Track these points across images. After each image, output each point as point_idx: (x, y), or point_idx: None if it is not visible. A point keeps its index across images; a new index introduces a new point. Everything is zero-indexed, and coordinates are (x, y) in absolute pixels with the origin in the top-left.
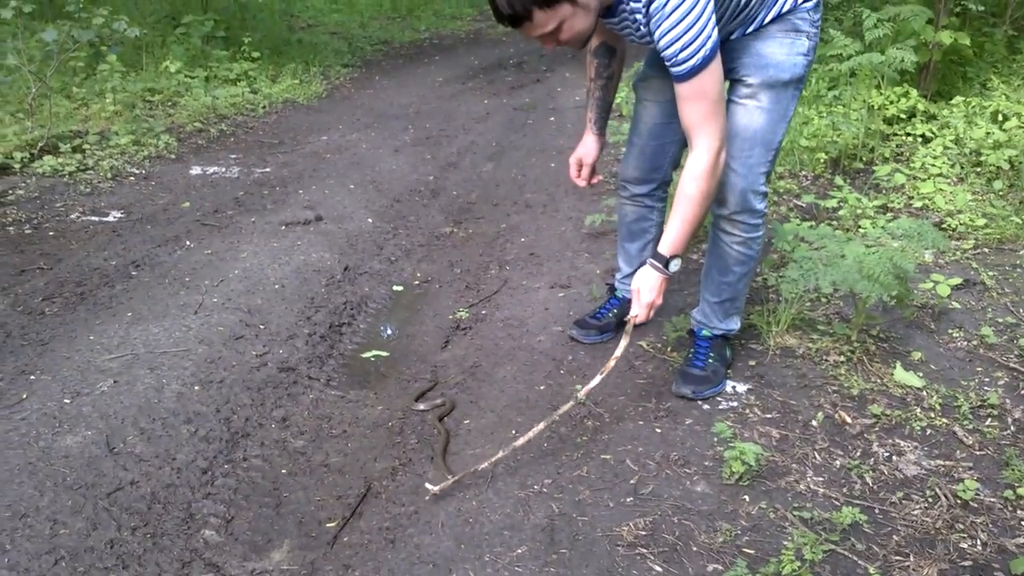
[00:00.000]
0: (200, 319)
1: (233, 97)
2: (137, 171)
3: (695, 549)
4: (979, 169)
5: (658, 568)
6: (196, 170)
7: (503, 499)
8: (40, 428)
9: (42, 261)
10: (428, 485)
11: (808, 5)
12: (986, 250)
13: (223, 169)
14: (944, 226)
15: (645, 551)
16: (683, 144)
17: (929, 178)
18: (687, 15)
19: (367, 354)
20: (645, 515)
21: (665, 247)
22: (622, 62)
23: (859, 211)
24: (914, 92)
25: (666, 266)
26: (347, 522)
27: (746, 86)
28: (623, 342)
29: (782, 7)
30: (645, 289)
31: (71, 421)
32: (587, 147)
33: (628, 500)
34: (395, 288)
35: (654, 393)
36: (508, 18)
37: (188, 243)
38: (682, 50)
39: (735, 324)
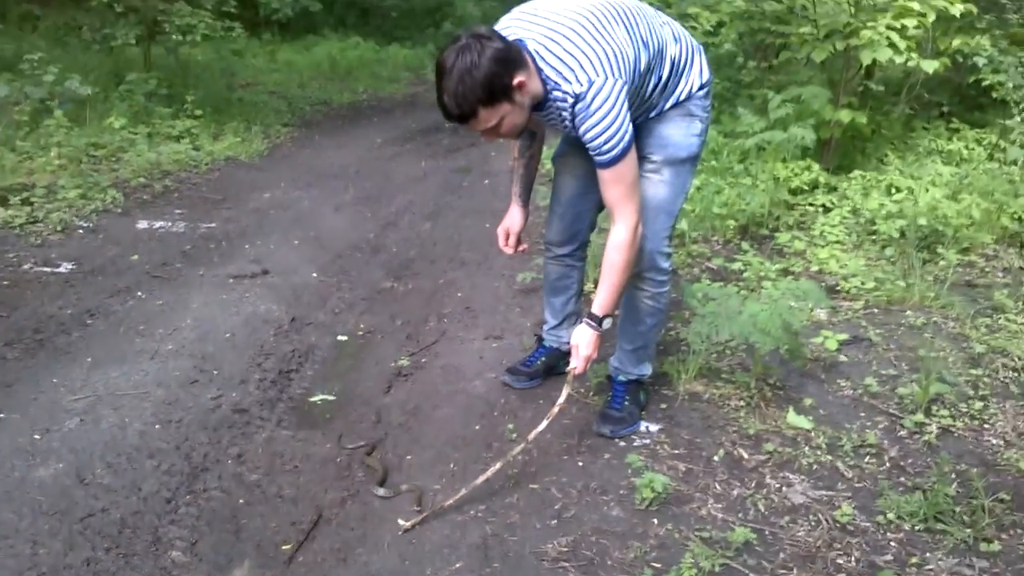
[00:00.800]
0: (156, 364)
1: (176, 153)
2: (85, 224)
3: (610, 563)
4: (874, 237)
5: None
6: (143, 224)
7: (442, 522)
8: (14, 460)
9: (0, 310)
10: (400, 521)
11: (700, 93)
12: (875, 310)
13: (169, 224)
14: (837, 288)
15: (567, 565)
16: (598, 210)
17: (827, 245)
18: (607, 114)
19: (314, 398)
20: (567, 535)
21: (597, 308)
22: (541, 143)
23: (762, 273)
24: (816, 166)
25: (600, 324)
26: (301, 544)
27: (651, 162)
28: (565, 390)
29: (679, 96)
30: (582, 344)
31: (42, 455)
32: (513, 218)
33: (553, 523)
34: (340, 338)
35: (576, 431)
36: (456, 117)
37: (140, 293)
38: (604, 143)
39: (647, 369)
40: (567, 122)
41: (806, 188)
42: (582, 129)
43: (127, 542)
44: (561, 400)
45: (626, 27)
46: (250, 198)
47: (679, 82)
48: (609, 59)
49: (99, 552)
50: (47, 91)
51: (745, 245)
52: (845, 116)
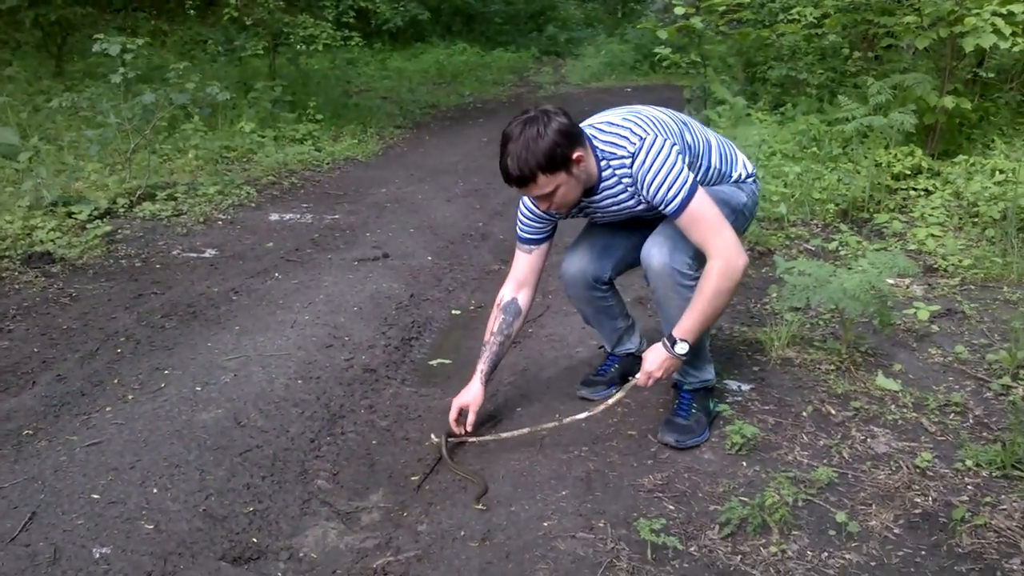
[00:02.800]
0: (296, 332)
1: (301, 154)
2: (224, 216)
3: (700, 495)
4: (975, 219)
5: (671, 506)
6: (274, 216)
7: (549, 460)
8: (180, 407)
9: (155, 288)
10: (432, 436)
11: (749, 180)
12: (972, 287)
13: (298, 216)
14: (935, 267)
15: (661, 495)
16: (628, 256)
17: (927, 226)
18: (664, 162)
19: (433, 362)
20: (662, 472)
21: (677, 330)
22: (522, 324)
23: (859, 252)
24: (920, 151)
25: (673, 346)
26: (427, 476)
27: None
28: (618, 394)
29: (730, 179)
30: (650, 360)
31: (204, 403)
32: (473, 394)
33: (648, 462)
34: (453, 312)
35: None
36: (516, 179)
37: (277, 275)
38: (668, 189)
39: (710, 374)
40: (628, 188)
41: (909, 173)
42: (645, 184)
43: (279, 472)
44: (611, 401)
45: (670, 119)
46: (368, 193)
47: (729, 169)
48: (655, 125)
49: (256, 479)
50: (190, 97)
51: (843, 227)
52: (949, 102)
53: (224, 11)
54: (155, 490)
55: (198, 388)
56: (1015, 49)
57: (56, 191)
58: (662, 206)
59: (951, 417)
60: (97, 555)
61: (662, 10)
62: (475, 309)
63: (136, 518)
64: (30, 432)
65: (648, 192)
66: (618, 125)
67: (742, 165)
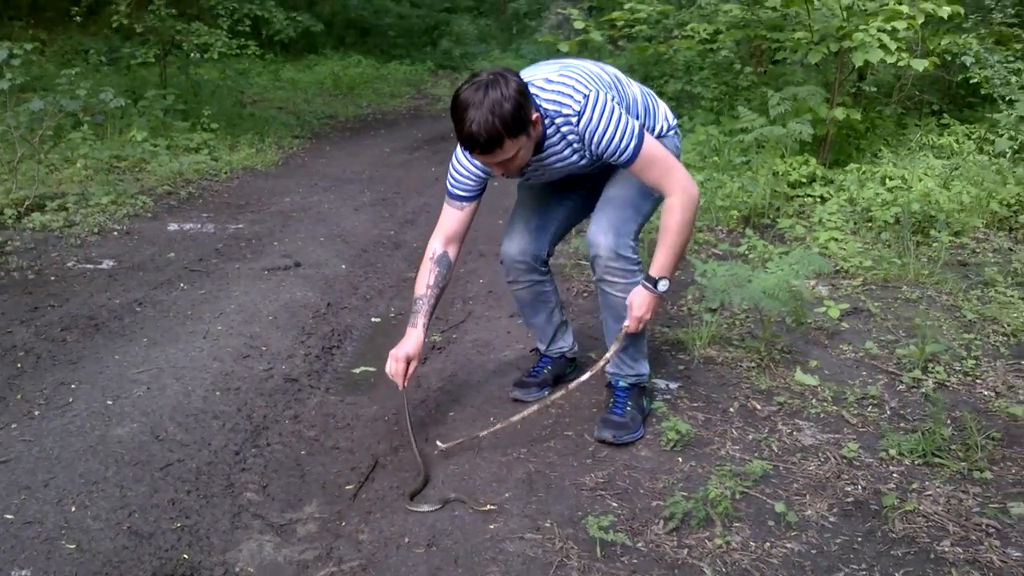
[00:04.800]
0: (209, 342)
1: (197, 164)
2: (119, 227)
3: (642, 491)
4: (870, 224)
5: (615, 504)
6: (173, 226)
7: (489, 463)
8: (92, 422)
9: (51, 300)
10: (438, 442)
11: (671, 133)
12: (873, 287)
13: (199, 225)
14: (837, 268)
15: (604, 493)
16: (560, 230)
17: (826, 230)
18: (611, 117)
19: (356, 370)
20: (602, 470)
21: (654, 270)
22: (452, 272)
23: (766, 255)
24: (813, 160)
25: (655, 286)
26: (363, 484)
27: (625, 172)
28: (613, 347)
29: (653, 132)
30: (636, 304)
31: (117, 417)
32: (413, 343)
33: (588, 461)
34: (373, 319)
35: (603, 387)
36: (482, 146)
37: (182, 285)
38: (620, 142)
39: (644, 368)
40: (573, 144)
41: (804, 181)
42: (595, 140)
43: (204, 486)
44: (608, 355)
45: (602, 71)
46: (271, 202)
47: (652, 123)
48: (592, 80)
49: (181, 494)
50: (82, 104)
51: (749, 232)
52: (840, 114)
53: (112, 19)
54: (73, 508)
55: (109, 402)
56: (900, 64)
57: None
58: (615, 157)
59: (869, 409)
60: None
61: (556, 26)
62: (395, 316)
63: (56, 538)
64: None
65: (599, 147)
66: (557, 82)
67: (663, 117)
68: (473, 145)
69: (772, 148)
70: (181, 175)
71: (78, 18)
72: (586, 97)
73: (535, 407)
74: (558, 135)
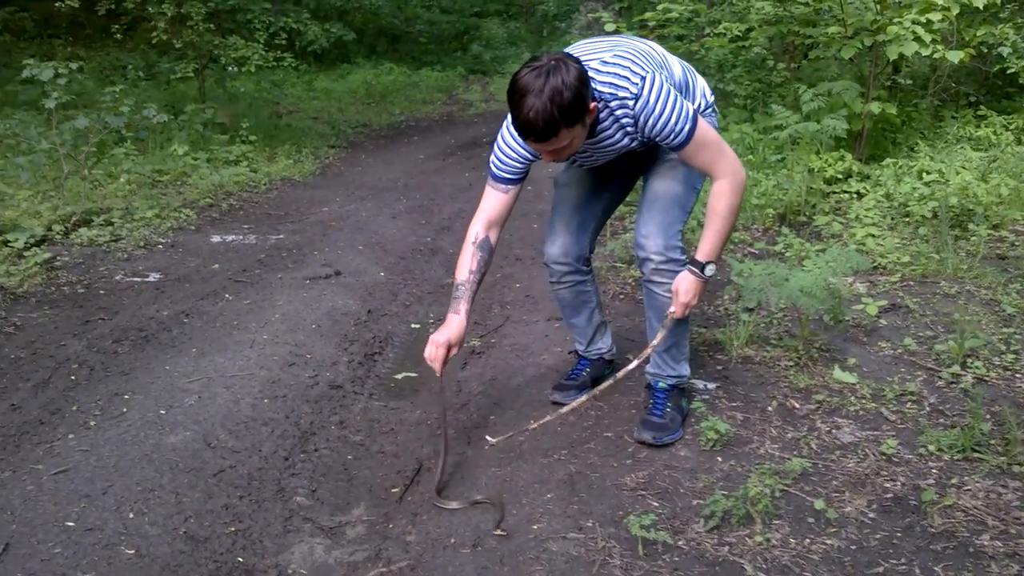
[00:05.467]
0: (256, 351)
1: (237, 176)
2: (164, 240)
3: (682, 491)
4: (907, 219)
5: (655, 503)
6: (216, 238)
7: (531, 464)
8: (146, 431)
9: (102, 313)
10: (487, 437)
11: (708, 111)
12: (911, 283)
13: (240, 237)
14: (875, 264)
15: (644, 493)
16: (600, 224)
17: (863, 226)
18: (667, 100)
19: (399, 375)
20: (643, 470)
21: (701, 255)
22: (493, 258)
23: (802, 253)
24: (849, 156)
25: (702, 271)
26: (408, 487)
27: (668, 162)
28: (661, 334)
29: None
30: (683, 291)
31: (170, 426)
32: (459, 330)
33: (628, 462)
34: (413, 326)
35: (642, 389)
36: (539, 134)
37: (227, 296)
38: (676, 125)
39: (685, 370)
40: (628, 130)
41: (840, 177)
42: (650, 125)
43: (256, 491)
44: (656, 342)
45: (652, 50)
46: (310, 212)
47: (691, 100)
48: (647, 60)
49: (234, 499)
50: (126, 120)
51: (785, 230)
52: (875, 108)
53: (152, 35)
54: (131, 515)
55: (162, 411)
56: (935, 56)
57: None
58: (668, 140)
59: (908, 406)
60: None
61: (585, 27)
62: (434, 322)
63: (115, 544)
64: None
65: (654, 129)
66: (612, 64)
67: (701, 94)
68: (529, 132)
69: (807, 145)
70: (222, 187)
71: (118, 35)
72: (643, 79)
73: (583, 397)
74: (611, 119)
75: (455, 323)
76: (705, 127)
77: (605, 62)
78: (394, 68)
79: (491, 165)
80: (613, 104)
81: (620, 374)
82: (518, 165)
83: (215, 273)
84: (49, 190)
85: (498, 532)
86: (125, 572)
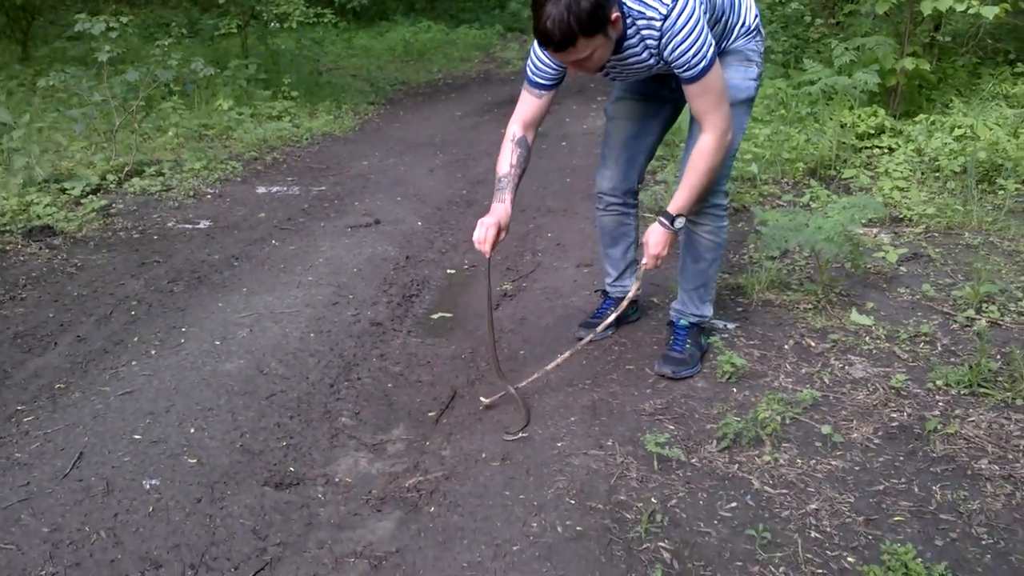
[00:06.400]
0: (302, 291)
1: (280, 130)
2: (212, 191)
3: (697, 416)
4: (937, 174)
5: (672, 426)
6: (262, 189)
7: (556, 392)
8: (203, 359)
9: (156, 257)
10: (482, 398)
11: (753, 34)
12: (936, 234)
13: (285, 188)
14: (900, 217)
15: (662, 418)
16: (650, 156)
17: (892, 180)
18: (693, 29)
19: (435, 315)
20: (661, 398)
21: (673, 207)
22: (531, 155)
23: (828, 203)
24: (882, 111)
25: (672, 223)
26: (443, 411)
27: None
28: (635, 285)
29: (736, 34)
30: (653, 243)
31: (225, 355)
32: (505, 215)
33: (647, 391)
34: (448, 271)
35: (663, 328)
36: (556, 43)
37: (274, 242)
38: (693, 56)
39: (708, 311)
40: (652, 50)
41: (872, 132)
42: (670, 48)
43: (305, 412)
44: (631, 294)
45: None
46: (351, 166)
47: (736, 19)
48: None
49: (284, 419)
50: (175, 74)
51: (813, 183)
52: (910, 64)
53: None
54: (192, 430)
55: (217, 343)
56: (970, 11)
57: (48, 169)
58: (682, 69)
59: (921, 346)
60: (147, 486)
61: None
62: (469, 268)
63: (179, 454)
64: (62, 386)
65: (673, 54)
66: None
67: (747, 12)
68: (547, 42)
69: (840, 100)
70: (266, 142)
71: None
72: (674, 3)
73: (568, 353)
74: (637, 36)
75: (501, 209)
76: (718, 74)
77: None
78: (432, 26)
79: (527, 70)
80: (640, 23)
81: (600, 328)
82: (551, 71)
83: (262, 221)
84: (102, 142)
85: (507, 436)
86: (189, 477)
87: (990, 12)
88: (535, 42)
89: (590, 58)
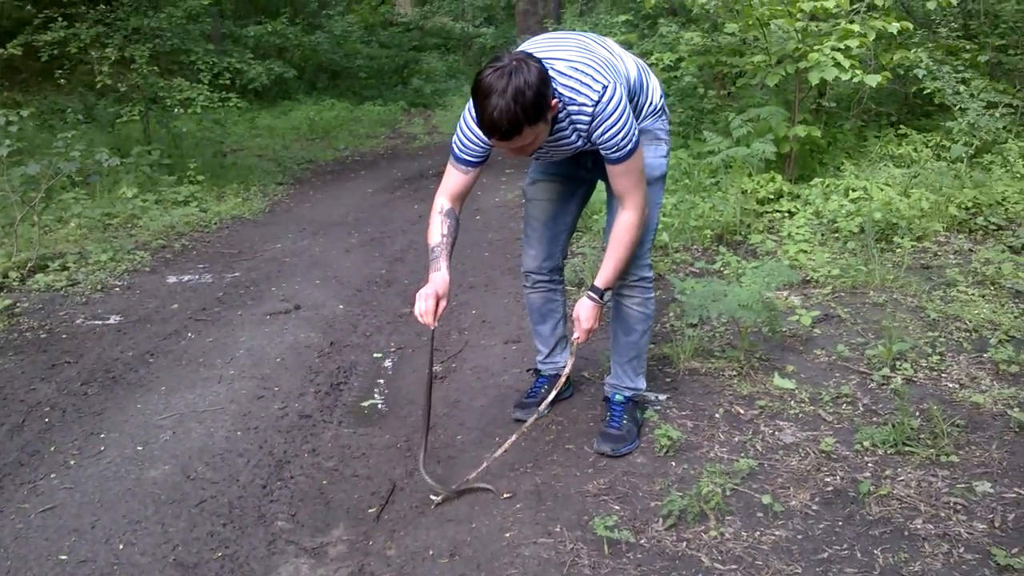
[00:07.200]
0: (224, 386)
1: (187, 216)
2: (120, 283)
3: (641, 494)
4: (836, 235)
5: (617, 507)
6: (172, 279)
7: (499, 478)
8: (126, 467)
9: (67, 357)
10: (432, 496)
11: (663, 116)
12: (842, 294)
13: (196, 276)
14: (807, 279)
15: (607, 498)
16: (571, 232)
17: (795, 243)
18: (622, 115)
19: (365, 403)
20: (603, 477)
21: (600, 281)
22: (459, 227)
23: (739, 270)
24: (779, 177)
25: (601, 296)
26: (384, 506)
27: None
28: (570, 361)
29: (643, 115)
30: (584, 316)
31: (149, 460)
32: (445, 284)
33: (589, 471)
34: (375, 355)
35: (598, 403)
36: (503, 133)
37: (189, 334)
38: (622, 140)
39: (642, 383)
40: (581, 132)
41: (772, 197)
42: (600, 132)
43: (239, 518)
44: (567, 370)
45: (613, 56)
46: (263, 249)
47: (645, 99)
48: (606, 67)
49: (218, 527)
50: (78, 165)
51: (723, 249)
52: (801, 131)
53: (96, 79)
54: (121, 546)
55: (139, 448)
56: (855, 80)
57: None
58: (611, 150)
59: (844, 407)
60: None
61: None
62: (396, 350)
63: (109, 574)
64: None
65: (602, 137)
66: (577, 70)
67: (654, 92)
68: (493, 131)
69: (739, 168)
70: (173, 228)
71: (62, 80)
72: (604, 88)
73: (514, 437)
74: (568, 119)
75: (439, 278)
76: (640, 157)
77: (572, 66)
78: (336, 103)
79: (454, 147)
80: (571, 108)
81: (541, 407)
82: (479, 149)
83: (175, 313)
84: (1, 237)
85: (433, 497)
86: None
87: (873, 80)
88: (463, 121)
89: (532, 143)
